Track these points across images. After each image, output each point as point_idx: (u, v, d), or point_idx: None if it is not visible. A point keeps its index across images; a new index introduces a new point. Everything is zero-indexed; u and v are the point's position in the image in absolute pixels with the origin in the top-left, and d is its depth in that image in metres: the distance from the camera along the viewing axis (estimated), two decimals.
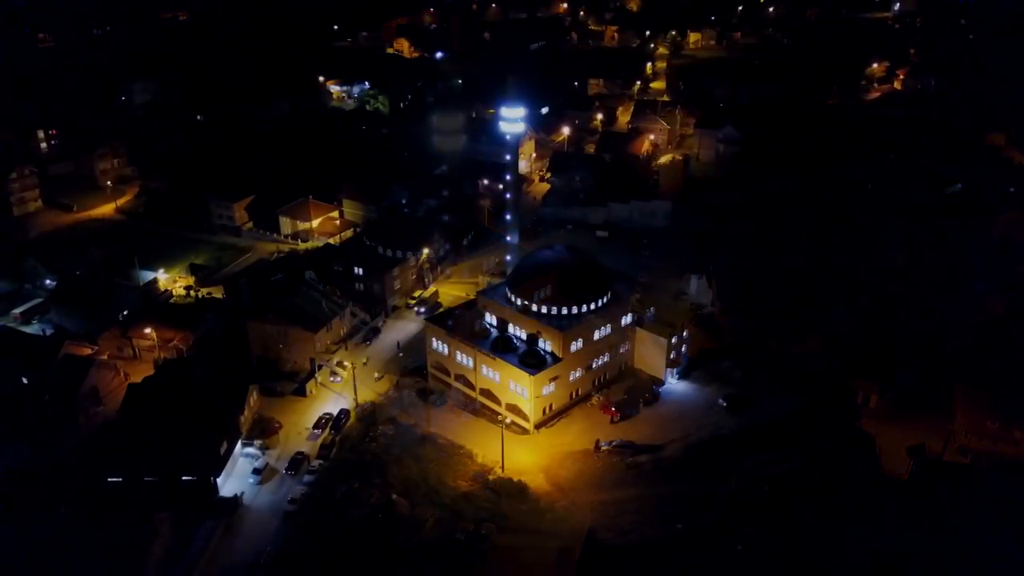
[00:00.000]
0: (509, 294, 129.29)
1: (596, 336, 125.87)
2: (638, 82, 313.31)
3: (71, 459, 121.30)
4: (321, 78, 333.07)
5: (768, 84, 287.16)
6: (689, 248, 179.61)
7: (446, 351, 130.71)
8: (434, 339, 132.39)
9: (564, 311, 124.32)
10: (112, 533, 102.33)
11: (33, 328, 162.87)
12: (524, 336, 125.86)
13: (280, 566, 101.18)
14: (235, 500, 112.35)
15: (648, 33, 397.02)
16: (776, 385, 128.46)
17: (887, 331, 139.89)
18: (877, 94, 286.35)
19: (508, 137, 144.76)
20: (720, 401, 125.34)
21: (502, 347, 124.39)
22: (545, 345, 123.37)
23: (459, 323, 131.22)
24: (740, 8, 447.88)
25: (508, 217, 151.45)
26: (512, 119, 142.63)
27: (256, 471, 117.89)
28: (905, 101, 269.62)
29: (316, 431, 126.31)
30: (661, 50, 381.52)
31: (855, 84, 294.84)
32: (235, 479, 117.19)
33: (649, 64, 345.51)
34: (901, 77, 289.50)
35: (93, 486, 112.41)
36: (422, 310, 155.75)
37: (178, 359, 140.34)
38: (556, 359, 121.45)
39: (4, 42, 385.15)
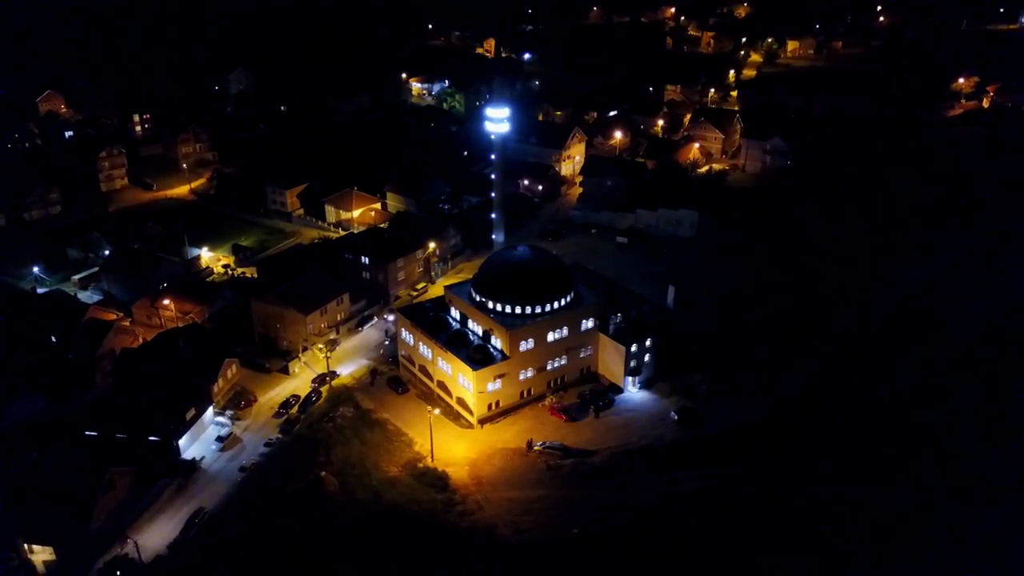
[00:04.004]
0: (471, 290, 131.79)
1: (551, 337, 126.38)
2: (712, 90, 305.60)
3: (80, 413, 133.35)
4: (404, 75, 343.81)
5: (847, 96, 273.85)
6: (708, 258, 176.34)
7: (412, 342, 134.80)
8: (403, 330, 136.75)
9: (518, 310, 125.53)
10: (70, 481, 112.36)
11: (86, 294, 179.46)
12: (480, 332, 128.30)
13: (213, 526, 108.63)
14: (193, 463, 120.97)
15: (744, 40, 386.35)
16: (739, 401, 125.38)
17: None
18: (960, 111, 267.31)
19: (493, 136, 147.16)
20: (672, 414, 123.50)
21: (456, 341, 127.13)
22: (497, 342, 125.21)
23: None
24: (849, 18, 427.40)
25: (494, 216, 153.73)
26: (497, 119, 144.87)
27: (220, 439, 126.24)
28: (989, 119, 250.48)
29: (314, 384, 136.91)
30: (754, 57, 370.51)
31: (939, 99, 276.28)
32: (201, 444, 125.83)
33: (732, 72, 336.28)
34: (991, 94, 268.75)
35: (72, 437, 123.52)
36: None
37: (171, 329, 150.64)
38: (505, 356, 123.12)
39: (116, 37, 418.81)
